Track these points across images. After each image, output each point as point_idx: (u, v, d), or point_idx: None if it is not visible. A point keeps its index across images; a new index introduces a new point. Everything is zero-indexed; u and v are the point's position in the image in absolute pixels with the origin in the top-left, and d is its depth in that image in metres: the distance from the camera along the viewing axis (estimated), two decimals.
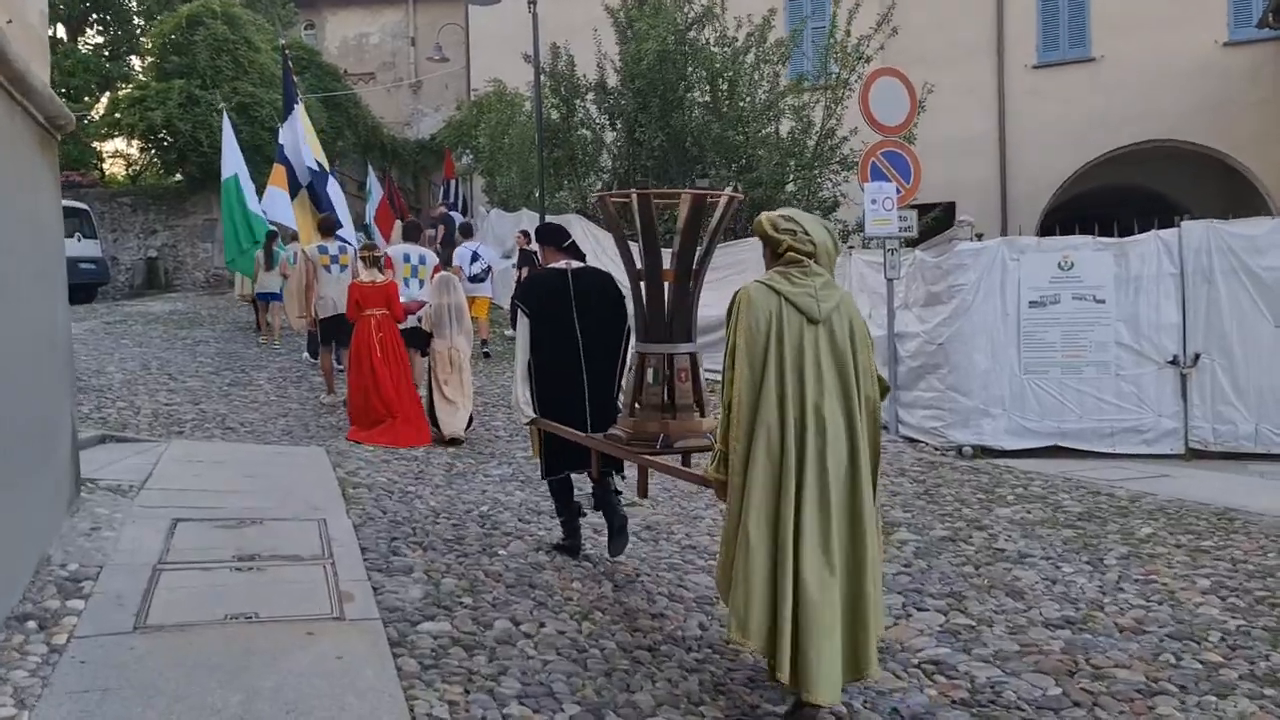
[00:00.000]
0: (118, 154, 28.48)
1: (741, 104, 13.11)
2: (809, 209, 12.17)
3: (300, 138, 14.00)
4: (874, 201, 9.64)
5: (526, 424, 5.29)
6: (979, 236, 9.62)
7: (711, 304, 12.95)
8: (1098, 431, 8.90)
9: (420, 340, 9.58)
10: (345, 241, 11.32)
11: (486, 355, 14.26)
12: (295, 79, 25.56)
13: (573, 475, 5.36)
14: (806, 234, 3.57)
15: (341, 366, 10.44)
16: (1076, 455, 8.81)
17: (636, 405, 4.35)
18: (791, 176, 12.57)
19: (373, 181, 24.21)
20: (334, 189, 14.23)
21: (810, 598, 3.27)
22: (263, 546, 4.95)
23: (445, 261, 22.51)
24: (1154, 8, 19.32)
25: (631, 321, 4.95)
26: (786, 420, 3.38)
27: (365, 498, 6.42)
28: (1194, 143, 19.50)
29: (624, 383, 5.03)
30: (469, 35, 27.58)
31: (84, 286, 20.58)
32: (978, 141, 20.80)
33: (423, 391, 9.29)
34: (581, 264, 5.33)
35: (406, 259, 10.07)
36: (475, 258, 14.26)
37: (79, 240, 20.29)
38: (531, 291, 5.27)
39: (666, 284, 4.31)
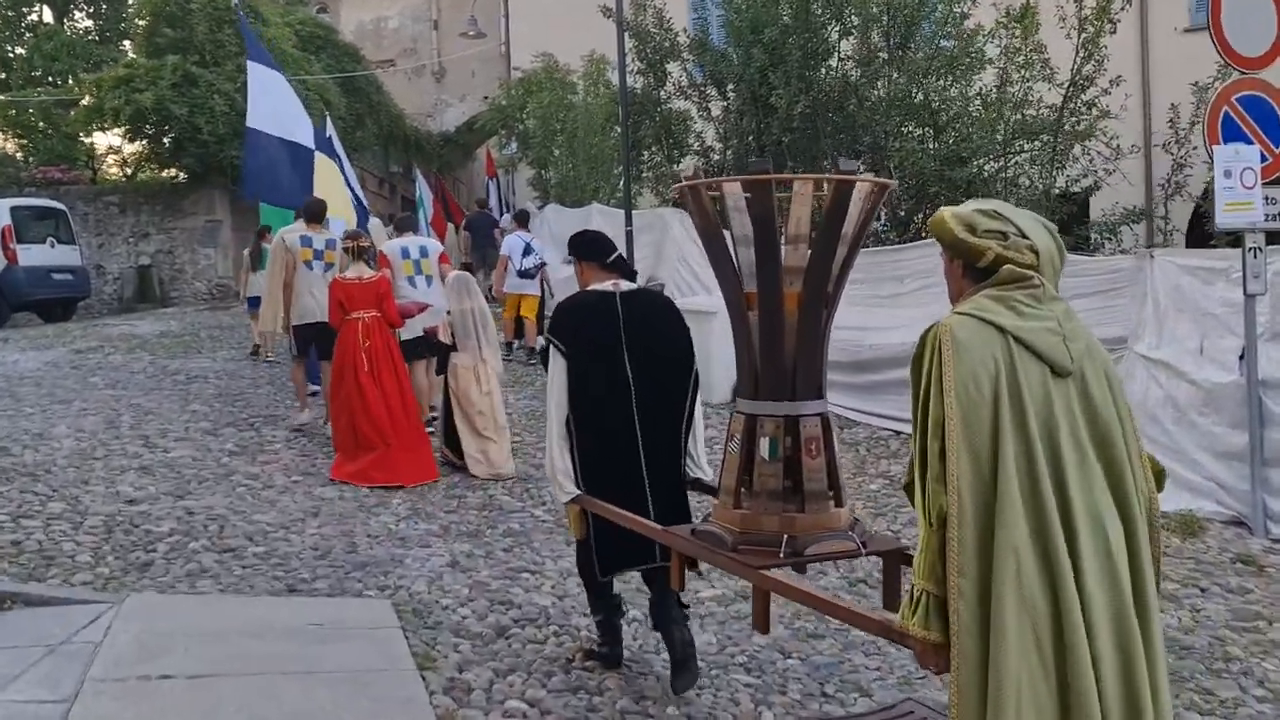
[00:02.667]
0: (110, 150, 25.21)
1: (921, 50, 9.60)
2: (1043, 196, 8.68)
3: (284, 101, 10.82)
4: (1227, 174, 6.19)
5: (566, 503, 3.92)
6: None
7: (890, 324, 9.53)
8: None
9: (433, 351, 7.89)
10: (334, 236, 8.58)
11: (532, 363, 11.97)
12: (310, 58, 22.39)
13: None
14: (1022, 236, 2.38)
15: (318, 387, 8.73)
16: None
17: (743, 491, 3.06)
18: (1003, 147, 9.05)
19: (422, 185, 21.76)
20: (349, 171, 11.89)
21: None
22: None
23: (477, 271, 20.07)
24: None
25: (699, 364, 4.04)
26: (1048, 540, 2.18)
27: None
28: None
29: (690, 446, 3.95)
30: (508, 5, 24.26)
31: (60, 302, 17.25)
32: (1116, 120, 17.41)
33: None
34: (633, 285, 4.10)
35: (405, 254, 8.45)
36: (528, 250, 12.24)
37: (53, 246, 16.96)
38: (568, 320, 4.00)
39: (788, 313, 3.00)
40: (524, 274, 12.16)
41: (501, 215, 26.68)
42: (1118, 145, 9.30)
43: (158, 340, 13.70)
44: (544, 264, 12.39)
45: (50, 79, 23.84)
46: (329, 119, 17.17)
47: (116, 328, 15.15)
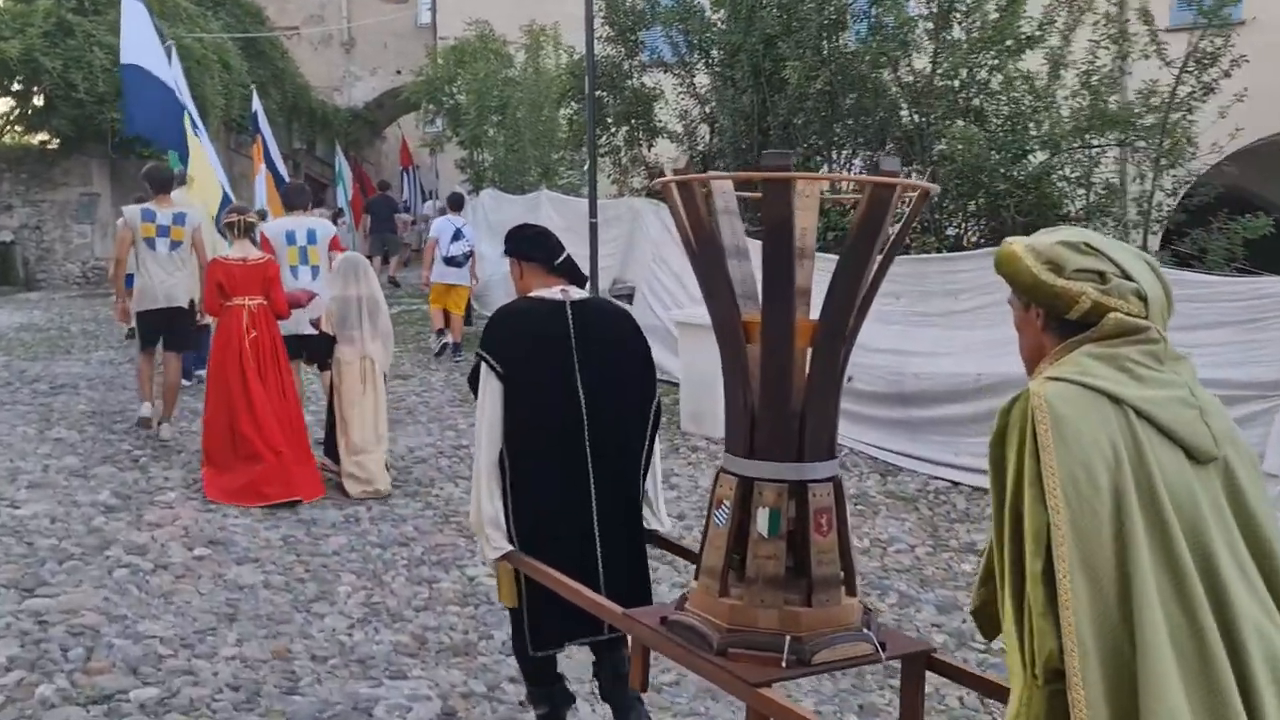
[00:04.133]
0: None
1: (976, 17, 8.03)
2: (1147, 203, 7.21)
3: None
4: None
5: (494, 561, 3.15)
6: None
7: (940, 349, 7.90)
8: None
9: (316, 348, 6.90)
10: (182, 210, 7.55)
11: (438, 355, 11.08)
12: (206, 14, 19.93)
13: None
14: (1124, 274, 1.82)
15: (191, 381, 8.28)
16: None
17: (732, 574, 2.45)
18: (1080, 139, 7.57)
19: (342, 163, 21.22)
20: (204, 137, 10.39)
21: None
22: None
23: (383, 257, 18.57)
24: None
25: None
26: (1220, 710, 1.58)
27: None
28: None
29: (649, 489, 3.30)
30: None
31: None
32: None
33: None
34: (585, 293, 3.39)
35: (290, 239, 7.22)
36: (458, 235, 11.32)
37: None
38: (506, 332, 3.24)
39: (799, 348, 2.42)
40: (450, 261, 11.21)
41: (416, 203, 24.85)
42: (1195, 143, 7.98)
43: (16, 336, 11.40)
44: (472, 252, 11.42)
45: None
46: (255, 95, 15.36)
47: None
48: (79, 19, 16.02)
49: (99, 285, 17.67)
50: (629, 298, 10.93)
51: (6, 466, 6.21)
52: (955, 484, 6.84)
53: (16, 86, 17.19)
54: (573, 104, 12.45)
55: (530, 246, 3.39)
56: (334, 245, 7.41)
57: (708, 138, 10.45)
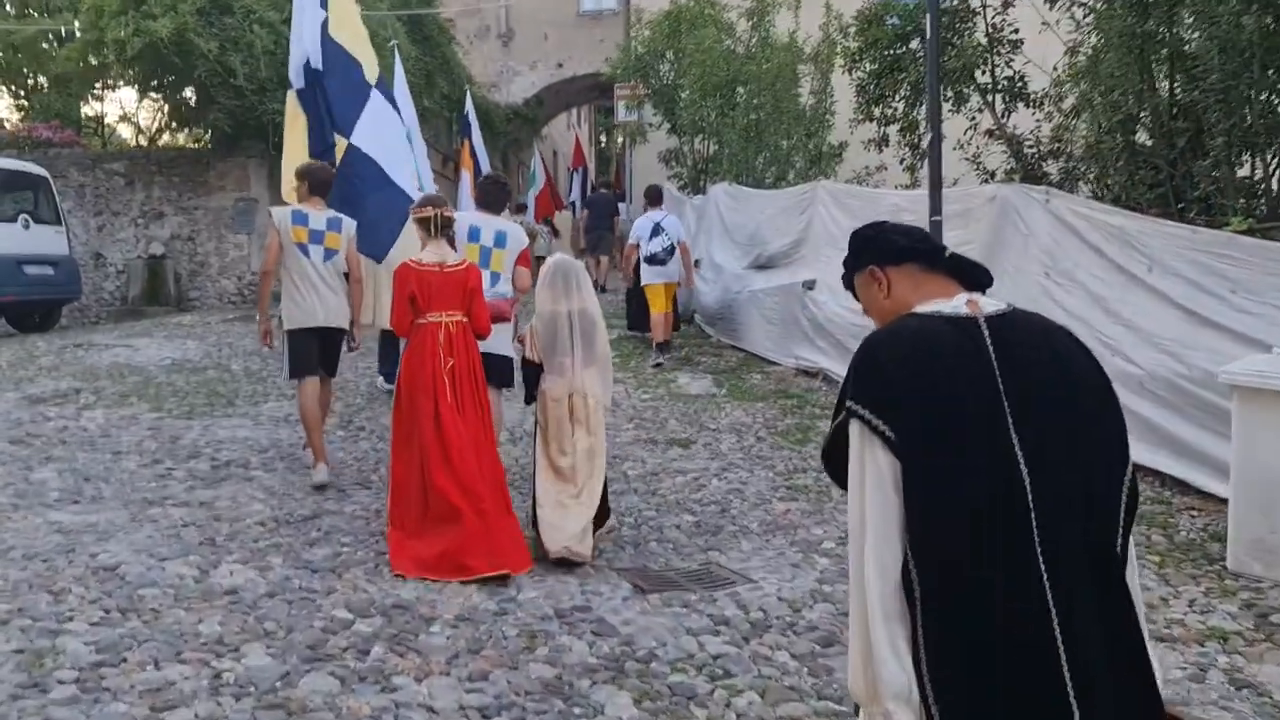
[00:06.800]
0: (124, 117, 20.39)
1: None
2: None
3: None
4: None
5: None
6: None
7: None
8: None
9: (506, 374, 5.90)
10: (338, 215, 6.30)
11: (659, 365, 9.97)
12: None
13: None
14: None
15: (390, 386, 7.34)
16: None
17: None
18: None
19: (537, 164, 20.33)
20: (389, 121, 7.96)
21: None
22: None
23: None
24: None
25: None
26: None
27: None
28: None
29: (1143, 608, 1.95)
30: None
31: (37, 306, 12.44)
32: None
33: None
34: (1000, 304, 1.90)
35: (474, 235, 5.86)
36: (657, 231, 10.34)
37: (27, 227, 12.12)
38: (890, 376, 1.79)
39: None
40: (652, 260, 10.22)
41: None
42: None
43: (167, 380, 8.87)
44: (675, 246, 10.26)
45: (44, 14, 19.02)
46: (469, 95, 13.09)
47: (109, 350, 10.34)
48: None
49: (255, 305, 15.47)
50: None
51: (150, 676, 3.38)
52: None
53: (167, 81, 15.06)
54: (865, 65, 9.27)
55: (901, 242, 1.97)
56: (523, 260, 6.09)
57: (1137, 88, 7.05)
